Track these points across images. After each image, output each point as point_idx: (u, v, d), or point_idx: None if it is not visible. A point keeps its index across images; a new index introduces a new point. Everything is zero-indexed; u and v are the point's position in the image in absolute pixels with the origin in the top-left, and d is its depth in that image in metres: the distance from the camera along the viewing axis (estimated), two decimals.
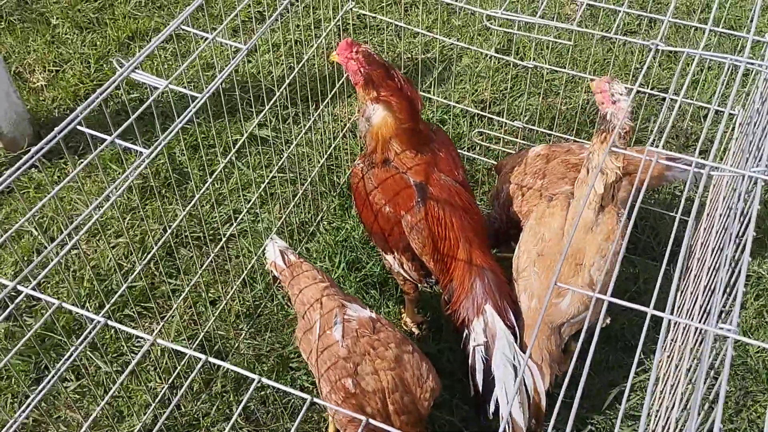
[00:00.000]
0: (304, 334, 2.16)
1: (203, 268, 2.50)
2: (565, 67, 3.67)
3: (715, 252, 1.84)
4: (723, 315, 1.37)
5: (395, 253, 2.46)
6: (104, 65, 3.74)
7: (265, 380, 1.19)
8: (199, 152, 3.24)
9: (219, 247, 2.59)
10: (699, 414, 1.35)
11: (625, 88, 2.15)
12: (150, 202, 3.12)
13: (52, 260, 1.56)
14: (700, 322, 1.72)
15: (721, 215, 1.99)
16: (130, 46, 3.86)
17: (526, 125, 3.13)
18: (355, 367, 2.03)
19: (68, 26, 3.95)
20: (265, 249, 2.32)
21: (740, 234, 1.42)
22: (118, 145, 1.57)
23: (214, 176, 2.29)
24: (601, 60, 3.75)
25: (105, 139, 1.61)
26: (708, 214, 2.21)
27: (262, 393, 2.53)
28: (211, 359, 1.25)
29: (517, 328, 2.29)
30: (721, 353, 1.29)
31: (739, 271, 1.26)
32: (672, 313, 1.26)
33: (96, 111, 3.46)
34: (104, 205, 1.78)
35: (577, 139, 2.99)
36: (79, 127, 1.54)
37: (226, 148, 3.27)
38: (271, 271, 2.31)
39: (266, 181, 2.79)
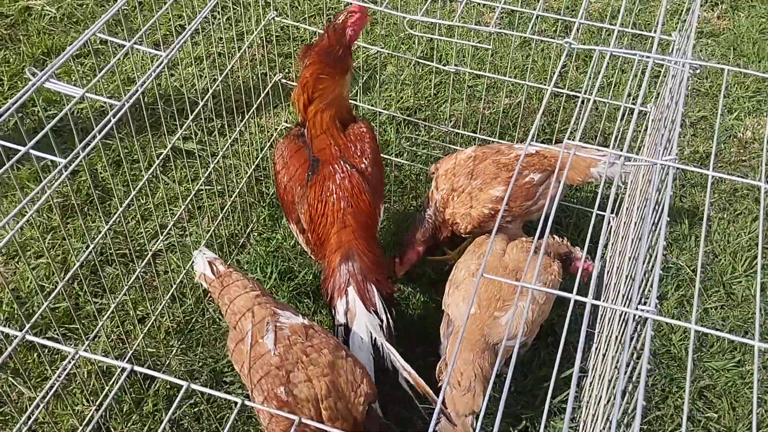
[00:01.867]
0: (236, 344, 2.13)
1: (129, 284, 2.43)
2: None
3: (634, 243, 1.91)
4: (642, 299, 1.42)
5: (291, 223, 2.64)
6: (19, 83, 3.62)
7: (194, 386, 1.17)
8: (122, 167, 3.17)
9: (145, 262, 2.53)
10: (623, 397, 1.40)
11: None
12: (72, 221, 3.03)
13: None
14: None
15: (638, 208, 2.07)
16: (46, 63, 3.75)
17: (451, 129, 3.18)
18: (287, 374, 2.01)
19: None
20: (193, 261, 2.28)
21: (656, 221, 1.48)
22: (34, 156, 1.52)
23: (138, 188, 2.25)
24: (521, 65, 3.85)
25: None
26: (627, 209, 2.30)
27: (196, 409, 2.47)
28: (138, 368, 1.22)
29: (384, 314, 2.33)
30: (642, 335, 1.34)
31: (656, 256, 1.31)
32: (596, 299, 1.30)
33: (9, 129, 3.34)
34: (21, 221, 1.72)
35: (502, 141, 3.05)
36: None
37: (150, 162, 3.21)
38: (201, 284, 2.27)
39: (192, 193, 2.74)
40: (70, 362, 1.35)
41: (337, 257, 2.42)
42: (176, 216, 2.75)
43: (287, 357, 2.03)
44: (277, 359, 2.03)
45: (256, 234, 3.04)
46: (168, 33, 3.87)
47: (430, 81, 3.71)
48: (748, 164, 3.48)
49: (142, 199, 3.10)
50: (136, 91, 1.76)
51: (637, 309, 1.22)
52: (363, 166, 2.57)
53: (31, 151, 1.49)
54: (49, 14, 4.02)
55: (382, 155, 2.76)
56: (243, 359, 2.10)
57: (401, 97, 3.65)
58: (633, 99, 2.76)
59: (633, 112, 2.95)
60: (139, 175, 3.19)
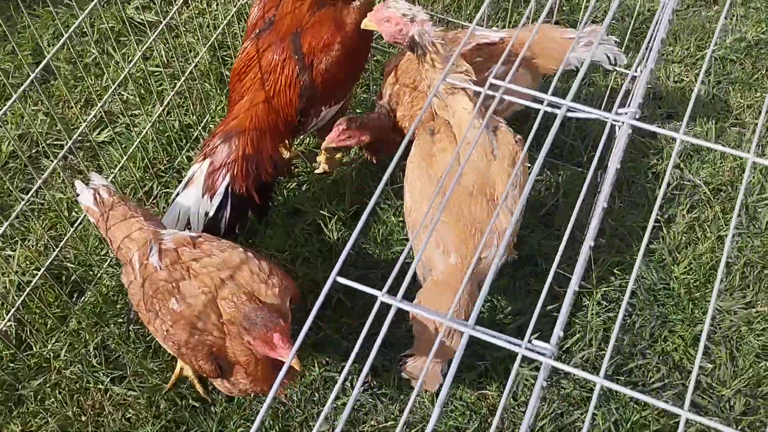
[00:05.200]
0: (129, 280, 1.92)
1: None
2: None
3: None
4: None
5: None
6: None
7: None
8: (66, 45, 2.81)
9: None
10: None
11: None
12: None
13: None
14: None
15: None
16: None
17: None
18: (177, 284, 1.82)
19: None
20: (77, 192, 1.99)
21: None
22: None
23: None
24: None
25: None
26: None
27: (121, 330, 2.24)
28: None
29: (216, 209, 2.15)
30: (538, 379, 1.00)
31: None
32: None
33: None
34: None
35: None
36: None
37: (100, 36, 2.83)
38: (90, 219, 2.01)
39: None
40: None
41: (224, 126, 2.23)
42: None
43: (175, 269, 1.84)
44: (165, 273, 1.84)
45: (212, 127, 2.68)
46: None
47: None
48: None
49: (91, 78, 2.75)
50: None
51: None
52: (318, 60, 2.17)
53: None
54: None
55: None
56: (137, 292, 1.89)
57: None
58: None
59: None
60: (88, 50, 2.83)
